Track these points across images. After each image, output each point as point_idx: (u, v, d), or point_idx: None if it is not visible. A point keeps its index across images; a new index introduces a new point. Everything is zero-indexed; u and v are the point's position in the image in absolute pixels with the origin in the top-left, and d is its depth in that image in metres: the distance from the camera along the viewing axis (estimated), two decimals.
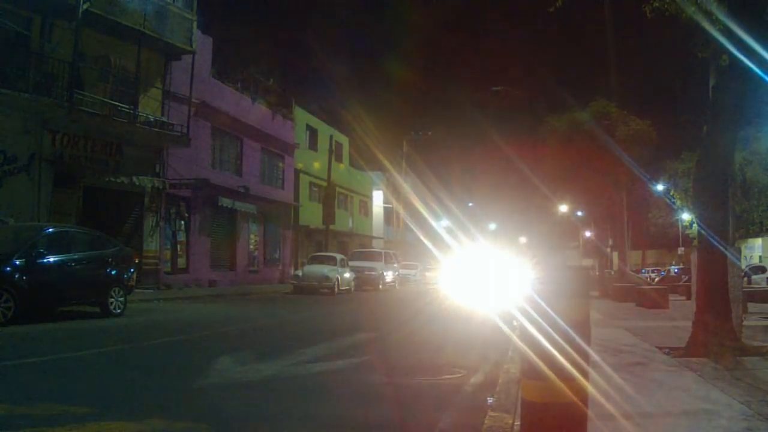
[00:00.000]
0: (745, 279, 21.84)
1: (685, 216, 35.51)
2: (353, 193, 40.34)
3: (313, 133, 33.68)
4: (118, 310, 11.62)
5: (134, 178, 17.97)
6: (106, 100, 17.30)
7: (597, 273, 24.29)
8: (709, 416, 4.05)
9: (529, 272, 3.24)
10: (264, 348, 7.76)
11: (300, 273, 22.32)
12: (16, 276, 9.74)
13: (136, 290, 13.65)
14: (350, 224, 39.37)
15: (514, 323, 9.80)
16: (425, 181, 44.40)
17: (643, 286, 16.59)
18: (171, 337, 8.98)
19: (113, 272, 11.76)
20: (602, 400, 4.16)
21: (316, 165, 32.85)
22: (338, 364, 6.58)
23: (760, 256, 34.51)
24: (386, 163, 41.41)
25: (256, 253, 27.44)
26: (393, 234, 47.69)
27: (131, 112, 17.82)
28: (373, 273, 26.25)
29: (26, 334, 8.78)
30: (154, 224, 19.78)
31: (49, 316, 10.76)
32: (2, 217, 14.15)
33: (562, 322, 2.93)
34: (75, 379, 5.57)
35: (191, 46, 19.89)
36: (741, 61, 6.29)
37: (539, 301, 2.98)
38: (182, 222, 22.17)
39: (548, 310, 2.95)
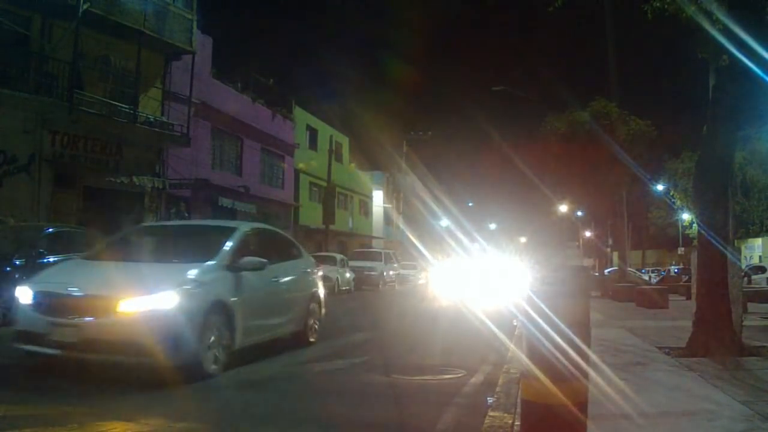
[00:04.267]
0: (745, 279, 21.83)
1: (685, 216, 35.54)
2: (353, 193, 40.32)
3: (313, 133, 33.66)
4: None
5: (134, 178, 17.95)
6: (106, 100, 17.28)
7: (597, 273, 24.27)
8: (709, 416, 4.05)
9: (530, 272, 3.24)
10: (264, 348, 7.75)
11: None
12: (17, 276, 9.72)
13: None
14: (350, 224, 39.35)
15: (515, 323, 9.81)
16: (425, 180, 44.42)
17: (643, 286, 16.59)
18: None
19: None
20: (602, 400, 4.16)
21: (316, 165, 32.84)
22: (338, 364, 6.58)
23: (760, 256, 34.50)
24: (387, 162, 41.42)
25: None
26: (393, 234, 47.66)
27: (131, 112, 17.80)
28: (373, 273, 26.24)
29: None
30: None
31: None
32: (2, 217, 14.13)
33: (562, 323, 2.94)
34: (75, 379, 5.57)
35: (191, 46, 19.87)
36: (741, 61, 6.28)
37: (539, 301, 2.98)
38: None
39: (548, 310, 2.95)
